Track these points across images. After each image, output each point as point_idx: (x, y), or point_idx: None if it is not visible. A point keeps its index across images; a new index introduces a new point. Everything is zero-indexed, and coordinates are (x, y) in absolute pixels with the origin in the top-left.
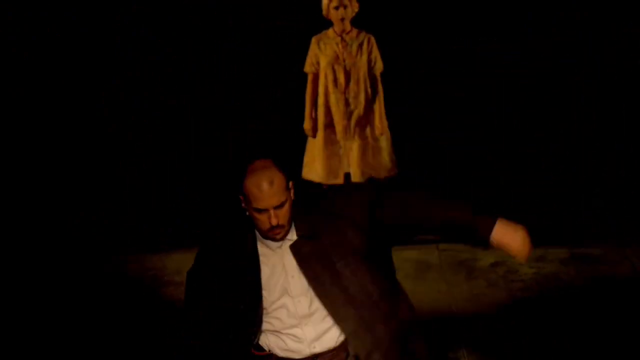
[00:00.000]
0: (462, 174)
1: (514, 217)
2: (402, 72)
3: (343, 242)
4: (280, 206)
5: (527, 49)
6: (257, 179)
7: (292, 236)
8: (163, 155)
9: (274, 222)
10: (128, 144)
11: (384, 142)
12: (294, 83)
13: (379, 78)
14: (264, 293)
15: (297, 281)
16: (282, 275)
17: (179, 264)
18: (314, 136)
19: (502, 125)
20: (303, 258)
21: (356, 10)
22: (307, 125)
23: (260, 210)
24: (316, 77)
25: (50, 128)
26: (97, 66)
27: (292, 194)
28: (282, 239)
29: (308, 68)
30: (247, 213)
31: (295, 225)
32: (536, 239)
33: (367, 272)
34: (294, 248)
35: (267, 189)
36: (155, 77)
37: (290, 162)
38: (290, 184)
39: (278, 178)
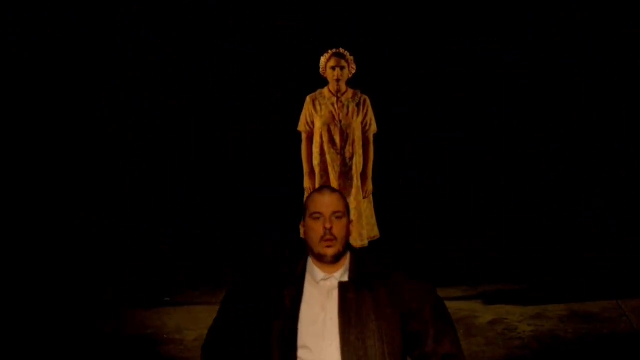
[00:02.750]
0: (462, 174)
1: (514, 217)
2: (402, 72)
3: (386, 308)
4: (337, 215)
5: (527, 49)
6: (319, 188)
7: (344, 277)
8: (163, 156)
9: (327, 224)
10: (128, 144)
11: (366, 205)
12: (294, 83)
13: (371, 140)
14: (299, 326)
15: (334, 324)
16: (320, 315)
17: (178, 322)
18: None
19: (502, 125)
20: (344, 301)
21: (353, 71)
22: (307, 183)
23: (317, 216)
24: (310, 136)
25: (50, 128)
26: (97, 66)
27: (350, 227)
28: (332, 258)
29: (302, 127)
30: (303, 234)
31: (350, 268)
32: (535, 295)
33: (391, 344)
34: (342, 287)
35: (327, 194)
36: (155, 77)
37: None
38: (351, 220)
39: (340, 194)
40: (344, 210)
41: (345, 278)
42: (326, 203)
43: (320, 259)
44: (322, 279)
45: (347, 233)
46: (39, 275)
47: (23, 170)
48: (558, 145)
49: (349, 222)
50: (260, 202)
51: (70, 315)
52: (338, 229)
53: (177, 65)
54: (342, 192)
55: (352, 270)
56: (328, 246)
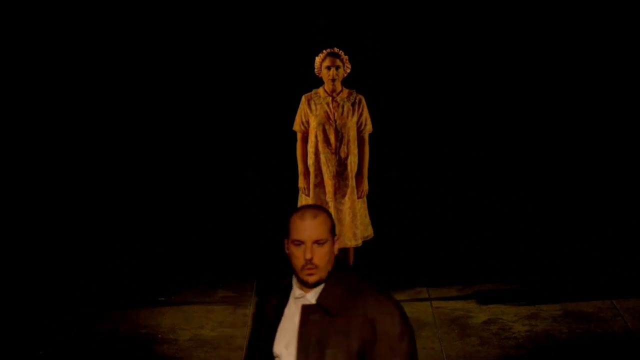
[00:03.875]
0: (457, 174)
1: (509, 218)
2: (398, 71)
3: (348, 337)
4: (319, 243)
5: (525, 46)
6: (302, 211)
7: (313, 298)
8: (159, 155)
9: (308, 255)
10: (124, 143)
11: (361, 205)
12: (289, 83)
13: (367, 140)
14: (276, 336)
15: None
16: (291, 328)
17: (172, 322)
18: (309, 194)
19: (498, 125)
20: (306, 324)
21: (348, 71)
22: (301, 183)
23: (298, 243)
24: (305, 136)
25: (47, 126)
26: (96, 66)
27: (335, 246)
28: (314, 284)
29: (297, 127)
30: (288, 253)
31: (321, 292)
32: (530, 295)
33: None
34: (305, 309)
35: (309, 220)
36: (154, 77)
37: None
38: (336, 237)
39: (323, 216)
40: (327, 235)
41: (314, 300)
42: (308, 231)
43: (303, 284)
44: (297, 297)
45: (332, 256)
46: (34, 275)
47: (20, 169)
48: (555, 146)
49: (334, 241)
50: (256, 202)
51: (66, 315)
52: (320, 256)
53: (177, 66)
54: (337, 193)
55: (322, 295)
56: (310, 274)
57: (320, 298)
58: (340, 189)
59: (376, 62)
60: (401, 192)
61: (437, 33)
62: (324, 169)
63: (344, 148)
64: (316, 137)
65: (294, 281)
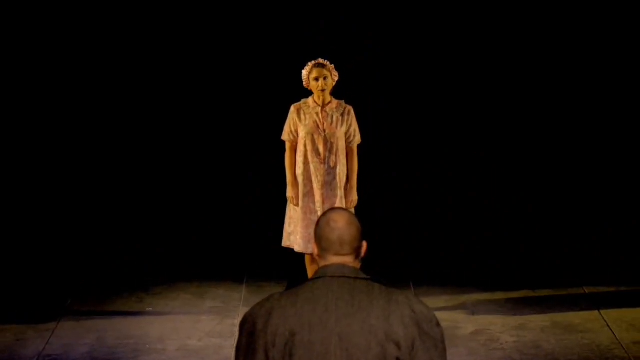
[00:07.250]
0: (446, 186)
1: (496, 229)
2: (387, 80)
3: None
4: None
5: (518, 48)
6: None
7: None
8: (161, 158)
9: None
10: (126, 146)
11: None
12: (278, 91)
13: (355, 151)
14: None
15: None
16: None
17: (160, 331)
18: (298, 204)
19: (486, 134)
20: None
21: (336, 79)
22: (290, 193)
23: None
24: (294, 145)
25: (45, 123)
26: (96, 66)
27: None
28: None
29: (286, 136)
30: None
31: None
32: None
33: None
34: None
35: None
36: (154, 78)
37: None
38: None
39: None
40: None
41: None
42: None
43: None
44: None
45: None
46: (21, 280)
47: (19, 168)
48: (554, 146)
49: None
50: (256, 202)
51: (52, 324)
52: None
53: (177, 65)
54: (326, 203)
55: None
56: None
57: None
58: (328, 199)
59: (376, 62)
60: (401, 192)
61: (437, 33)
62: (312, 178)
63: (333, 158)
64: (305, 146)
65: None
